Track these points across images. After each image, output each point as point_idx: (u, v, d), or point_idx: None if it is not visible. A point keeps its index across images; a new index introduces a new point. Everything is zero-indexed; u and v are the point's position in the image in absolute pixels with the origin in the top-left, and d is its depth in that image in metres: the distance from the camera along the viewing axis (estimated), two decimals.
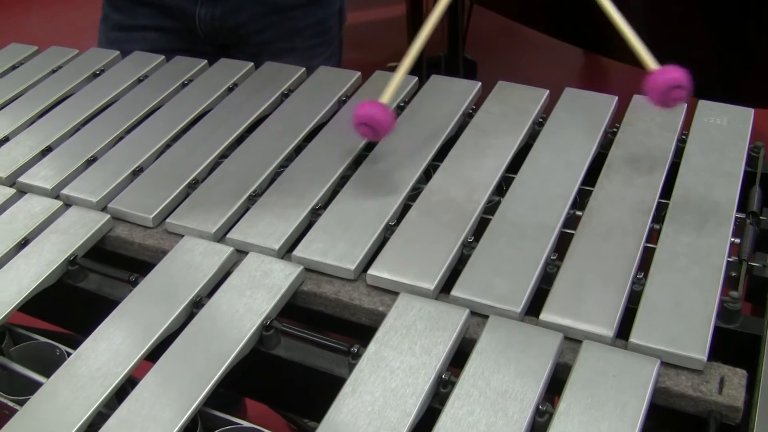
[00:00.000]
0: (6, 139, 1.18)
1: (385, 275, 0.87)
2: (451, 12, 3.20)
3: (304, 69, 1.26)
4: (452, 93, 1.15)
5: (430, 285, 0.84)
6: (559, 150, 1.02)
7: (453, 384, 0.74)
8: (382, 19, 4.12)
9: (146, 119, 1.20)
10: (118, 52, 1.38)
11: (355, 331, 0.88)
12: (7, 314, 0.89)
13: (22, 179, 1.10)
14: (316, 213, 0.97)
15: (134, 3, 1.34)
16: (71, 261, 0.96)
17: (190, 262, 0.92)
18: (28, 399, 0.79)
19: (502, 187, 0.99)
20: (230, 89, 1.25)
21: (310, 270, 0.90)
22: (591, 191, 0.96)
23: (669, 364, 0.76)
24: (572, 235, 0.89)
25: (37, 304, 0.93)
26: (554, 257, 0.86)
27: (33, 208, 1.04)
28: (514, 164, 1.01)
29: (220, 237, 0.96)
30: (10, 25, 4.14)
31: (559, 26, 2.16)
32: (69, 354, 0.86)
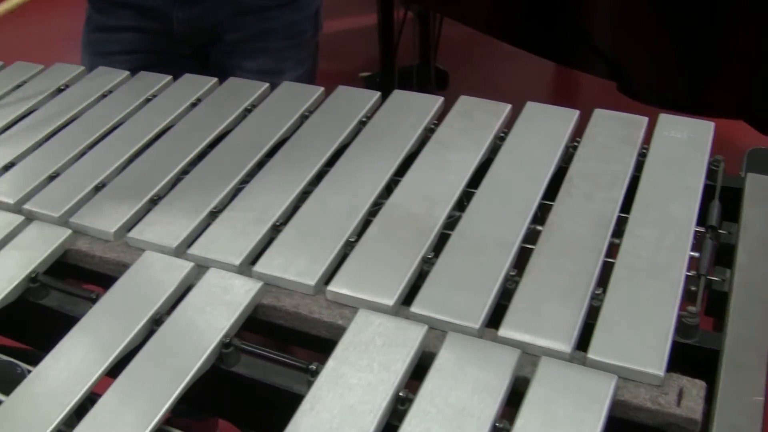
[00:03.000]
0: None
1: (345, 291, 0.87)
2: (422, 22, 3.21)
3: (267, 85, 1.26)
4: (414, 107, 1.15)
5: (390, 301, 0.85)
6: (520, 164, 1.03)
7: (411, 401, 0.75)
8: (353, 28, 4.12)
9: (109, 134, 1.19)
10: (82, 68, 1.38)
11: (315, 344, 0.88)
12: None
13: None
14: (276, 229, 0.97)
15: (114, 5, 1.34)
16: (32, 278, 0.95)
17: (150, 277, 0.92)
18: None
19: (462, 203, 0.99)
20: (193, 104, 1.25)
21: (271, 285, 0.90)
22: (551, 206, 0.96)
23: (627, 380, 0.76)
24: (532, 250, 0.90)
25: None
26: (513, 273, 0.87)
27: None
28: (475, 179, 1.01)
29: (182, 252, 0.96)
30: None
31: (526, 38, 2.17)
32: (29, 372, 0.86)
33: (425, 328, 0.82)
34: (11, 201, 1.07)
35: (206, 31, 1.63)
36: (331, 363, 0.79)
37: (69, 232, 1.01)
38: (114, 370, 0.82)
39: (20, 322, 0.97)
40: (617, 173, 1.00)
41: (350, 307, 0.87)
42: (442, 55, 3.43)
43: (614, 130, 1.08)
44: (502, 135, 1.09)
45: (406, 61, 3.31)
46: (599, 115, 1.11)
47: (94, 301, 0.91)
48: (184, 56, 1.65)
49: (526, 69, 3.50)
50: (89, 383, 0.81)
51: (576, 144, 1.06)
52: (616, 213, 0.94)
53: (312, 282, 0.89)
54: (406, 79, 3.30)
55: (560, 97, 3.69)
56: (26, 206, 1.06)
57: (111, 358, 0.83)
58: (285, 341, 0.91)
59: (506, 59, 3.47)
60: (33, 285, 0.95)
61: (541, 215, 0.97)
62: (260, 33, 1.64)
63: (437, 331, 0.82)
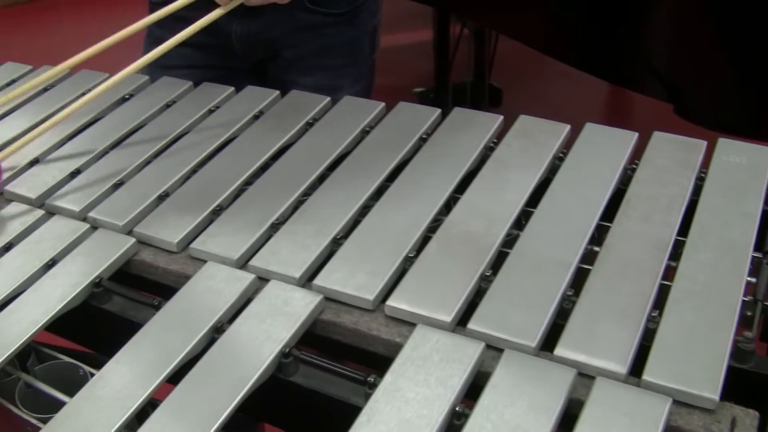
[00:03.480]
0: (36, 161, 1.21)
1: (404, 306, 0.88)
2: (478, 38, 3.22)
3: (329, 99, 1.28)
4: (474, 125, 1.17)
5: (447, 317, 0.86)
6: (579, 185, 1.04)
7: (467, 416, 0.76)
8: (408, 43, 4.13)
9: (173, 145, 1.22)
10: (147, 77, 1.41)
11: (371, 361, 0.89)
12: (34, 333, 0.91)
13: (50, 201, 1.12)
14: (337, 242, 0.98)
15: (175, 19, 1.36)
16: (96, 283, 0.97)
17: (212, 287, 0.94)
18: (51, 417, 0.81)
19: (521, 221, 1.00)
20: (256, 117, 1.27)
21: (330, 299, 0.92)
22: (609, 227, 0.97)
23: (681, 403, 0.77)
24: (589, 270, 0.90)
25: (62, 324, 0.95)
26: (570, 293, 0.87)
27: (60, 230, 1.06)
28: (534, 198, 1.02)
29: (243, 264, 0.98)
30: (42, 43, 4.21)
31: (582, 58, 2.17)
32: (92, 374, 0.88)
33: (482, 345, 0.83)
34: (77, 209, 1.09)
35: (264, 46, 1.65)
36: (389, 377, 0.80)
37: (132, 240, 1.03)
38: (175, 377, 0.84)
39: (83, 326, 0.99)
40: (675, 196, 1.01)
41: (408, 325, 0.88)
42: (496, 72, 3.43)
43: (673, 153, 1.08)
44: (561, 155, 1.10)
45: (460, 77, 3.31)
46: (658, 137, 1.11)
47: (156, 308, 0.93)
48: (243, 71, 1.67)
49: (581, 88, 3.50)
50: (150, 388, 0.82)
51: (634, 166, 1.07)
52: (674, 236, 0.95)
53: (371, 297, 0.90)
54: (460, 96, 3.30)
55: (614, 117, 3.67)
56: (91, 214, 1.08)
57: (172, 365, 0.85)
58: (341, 356, 0.92)
59: (561, 78, 3.47)
60: (97, 290, 0.97)
61: (598, 236, 0.97)
62: (318, 50, 1.65)
63: (493, 352, 0.83)
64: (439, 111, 1.20)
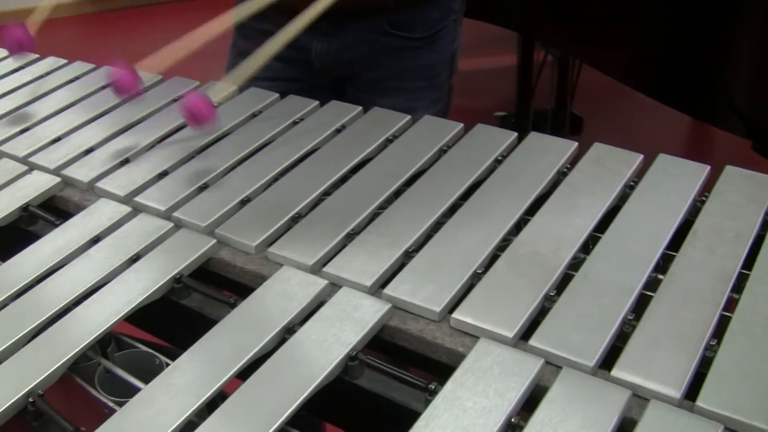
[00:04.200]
0: (126, 161, 1.27)
1: (468, 320, 0.91)
2: (561, 66, 3.23)
3: (409, 117, 1.31)
4: (549, 150, 1.19)
5: (510, 333, 0.88)
6: (647, 214, 1.05)
7: (521, 428, 0.78)
8: (492, 67, 4.16)
9: (258, 152, 1.27)
10: (235, 87, 1.45)
11: (434, 368, 0.92)
12: (116, 322, 0.96)
13: (138, 199, 1.17)
14: (408, 255, 1.01)
15: (260, 32, 1.40)
16: (177, 279, 1.02)
17: (286, 290, 0.98)
18: (126, 401, 0.85)
19: (588, 246, 1.02)
20: (338, 130, 1.31)
21: (398, 308, 0.95)
22: (674, 256, 0.98)
23: (732, 431, 0.78)
24: (651, 297, 0.92)
25: (142, 315, 0.99)
26: (631, 317, 0.89)
27: (146, 227, 1.11)
28: (603, 224, 1.05)
29: (317, 269, 1.02)
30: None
31: (663, 91, 2.18)
32: (167, 364, 0.92)
33: (541, 361, 0.85)
34: (162, 208, 1.14)
35: (343, 66, 1.69)
36: (449, 385, 0.83)
37: (213, 241, 1.08)
38: (245, 373, 0.88)
39: (162, 319, 1.04)
40: (742, 230, 1.02)
41: (471, 337, 0.91)
42: (578, 100, 3.43)
43: (744, 187, 1.09)
44: (632, 183, 1.12)
45: (542, 103, 3.33)
46: (730, 172, 1.13)
47: (232, 305, 0.97)
48: (323, 87, 1.71)
49: (661, 120, 3.49)
50: (221, 381, 0.86)
51: (704, 198, 1.08)
52: (738, 269, 0.96)
53: (437, 308, 0.93)
54: (541, 122, 3.31)
55: (694, 150, 3.66)
56: (176, 214, 1.13)
57: (243, 360, 0.89)
58: (404, 362, 0.95)
59: (642, 109, 3.46)
60: (177, 285, 1.02)
61: (663, 264, 0.99)
62: (396, 73, 1.69)
63: (551, 368, 0.86)
64: (515, 135, 1.23)
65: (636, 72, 2.27)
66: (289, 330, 0.93)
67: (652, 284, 0.95)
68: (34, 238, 1.13)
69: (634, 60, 2.25)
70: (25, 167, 1.29)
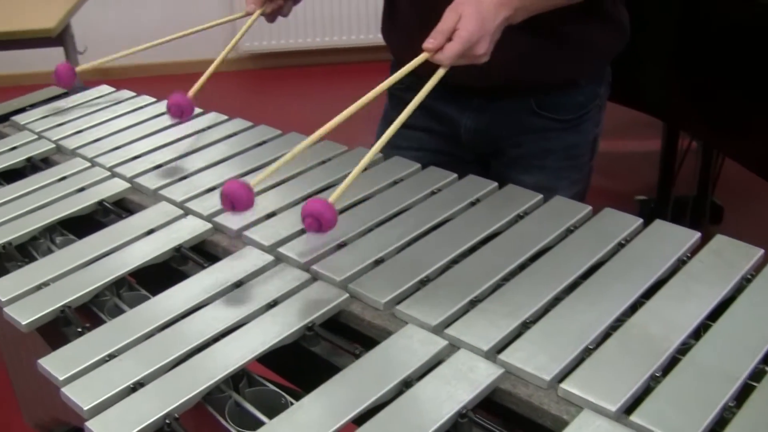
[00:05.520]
0: (273, 214, 1.37)
1: (575, 390, 0.95)
2: (705, 154, 3.20)
3: (541, 196, 1.37)
4: (671, 238, 1.23)
5: (613, 406, 0.92)
6: (762, 307, 1.08)
7: None
8: (636, 150, 4.15)
9: (395, 218, 1.35)
10: (380, 154, 1.53)
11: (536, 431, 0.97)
12: (249, 360, 1.05)
13: (281, 250, 1.27)
14: (526, 325, 1.07)
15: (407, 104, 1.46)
16: (309, 327, 1.10)
17: (408, 346, 1.05)
18: None
19: (699, 332, 1.05)
20: (473, 203, 1.37)
21: (510, 373, 1.01)
22: None
23: None
24: (755, 387, 0.95)
25: (273, 357, 1.08)
26: (732, 404, 0.92)
27: (285, 276, 1.21)
28: (716, 313, 1.07)
29: (439, 330, 1.08)
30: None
31: None
32: (292, 404, 1.00)
33: None
34: (302, 260, 1.23)
35: (489, 142, 1.74)
36: None
37: (346, 295, 1.16)
38: (361, 419, 0.95)
39: (291, 362, 1.12)
40: None
41: (577, 407, 0.95)
42: (720, 190, 3.41)
43: None
44: (750, 276, 1.15)
45: (684, 190, 3.31)
46: None
47: (356, 356, 1.05)
48: (467, 162, 1.76)
49: None
50: (339, 423, 0.94)
51: None
52: None
53: (548, 377, 0.98)
54: (681, 209, 3.28)
55: None
56: (314, 267, 1.22)
57: (362, 407, 0.96)
58: (511, 424, 1.00)
59: None
60: (308, 333, 1.10)
61: None
62: (541, 151, 1.73)
63: None
64: (641, 221, 1.27)
65: None
66: (407, 383, 0.99)
67: (758, 375, 0.98)
68: (183, 276, 1.23)
69: None
70: (181, 212, 1.41)
